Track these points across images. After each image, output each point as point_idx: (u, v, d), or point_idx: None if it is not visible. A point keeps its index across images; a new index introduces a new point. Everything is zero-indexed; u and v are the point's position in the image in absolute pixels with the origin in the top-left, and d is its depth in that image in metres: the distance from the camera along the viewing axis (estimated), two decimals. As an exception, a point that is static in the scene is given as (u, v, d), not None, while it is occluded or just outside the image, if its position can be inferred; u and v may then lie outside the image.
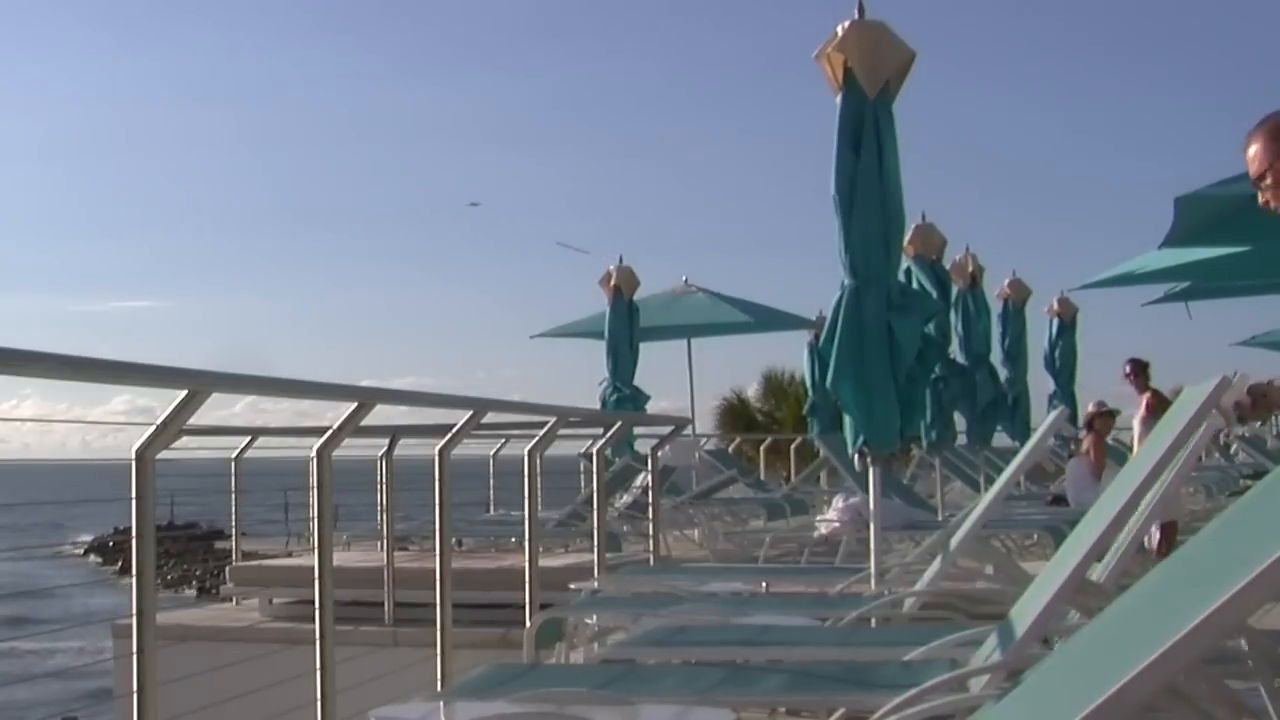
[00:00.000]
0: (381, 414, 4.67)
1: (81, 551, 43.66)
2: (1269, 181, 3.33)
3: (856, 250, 6.35)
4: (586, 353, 14.59)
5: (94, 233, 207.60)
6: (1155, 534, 8.88)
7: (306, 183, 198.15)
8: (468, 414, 5.24)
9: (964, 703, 2.82)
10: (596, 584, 6.52)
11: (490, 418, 5.52)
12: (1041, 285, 15.05)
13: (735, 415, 27.72)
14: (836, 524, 9.44)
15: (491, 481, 13.06)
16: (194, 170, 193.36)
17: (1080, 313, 15.73)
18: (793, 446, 18.09)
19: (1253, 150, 3.38)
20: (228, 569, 9.97)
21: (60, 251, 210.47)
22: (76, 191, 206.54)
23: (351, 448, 5.26)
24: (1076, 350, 15.61)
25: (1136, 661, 1.87)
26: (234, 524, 10.68)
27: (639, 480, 11.52)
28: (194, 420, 3.59)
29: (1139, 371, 10.82)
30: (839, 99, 6.30)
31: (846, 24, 6.23)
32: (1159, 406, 10.42)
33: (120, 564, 32.69)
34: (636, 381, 13.13)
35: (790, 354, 31.04)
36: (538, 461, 6.21)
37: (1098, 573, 3.75)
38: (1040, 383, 14.95)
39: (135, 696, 3.43)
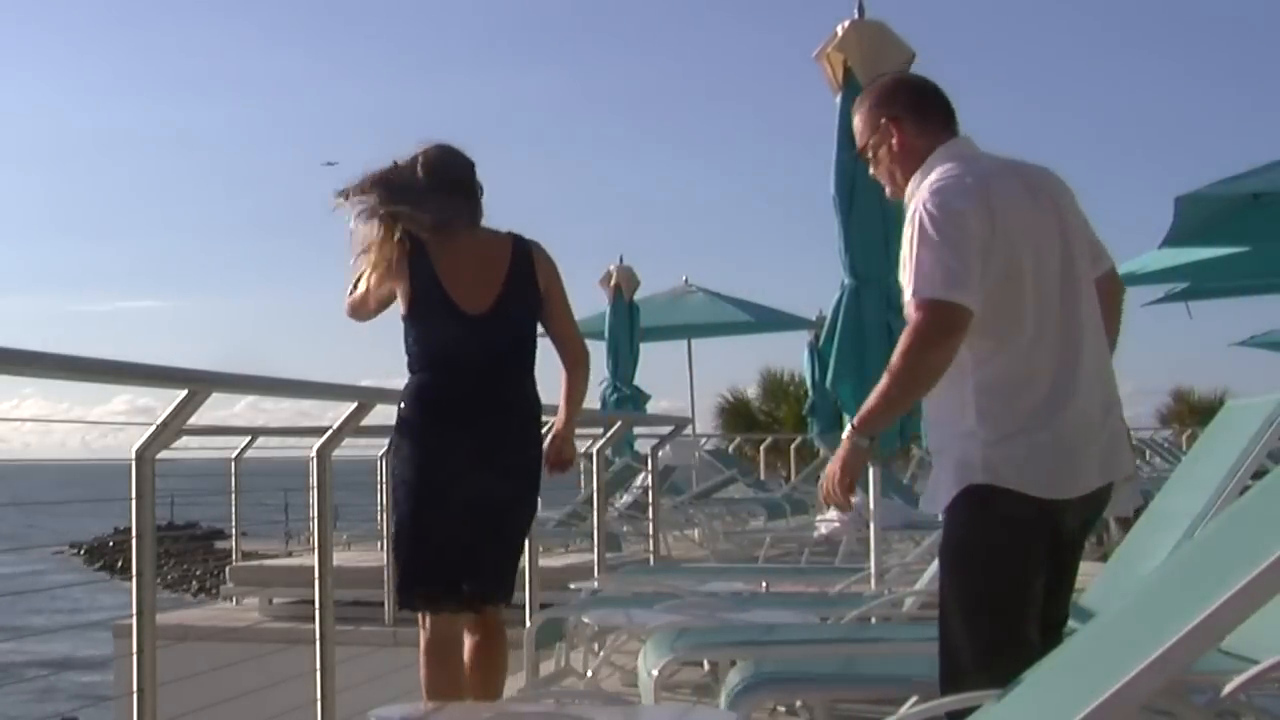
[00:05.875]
0: (381, 414, 4.66)
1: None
2: (870, 157, 3.23)
3: (856, 250, 6.34)
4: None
5: (94, 233, 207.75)
6: None
7: (308, 182, 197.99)
8: (468, 414, 5.22)
9: (964, 702, 2.81)
10: (596, 584, 6.50)
11: (490, 418, 5.48)
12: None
13: (735, 415, 27.68)
14: (836, 524, 9.41)
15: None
16: (195, 170, 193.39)
17: (1080, 313, 15.69)
18: (793, 446, 18.09)
19: (856, 122, 3.21)
20: (228, 569, 9.97)
21: (60, 251, 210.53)
22: (77, 191, 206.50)
23: (351, 448, 5.25)
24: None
25: (1137, 661, 1.87)
26: (234, 524, 10.68)
27: (639, 480, 11.50)
28: (194, 420, 3.59)
29: None
30: (839, 99, 6.28)
31: (846, 24, 6.21)
32: None
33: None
34: (636, 381, 13.12)
35: (790, 354, 31.08)
36: (538, 461, 6.18)
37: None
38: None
39: (135, 697, 3.43)
